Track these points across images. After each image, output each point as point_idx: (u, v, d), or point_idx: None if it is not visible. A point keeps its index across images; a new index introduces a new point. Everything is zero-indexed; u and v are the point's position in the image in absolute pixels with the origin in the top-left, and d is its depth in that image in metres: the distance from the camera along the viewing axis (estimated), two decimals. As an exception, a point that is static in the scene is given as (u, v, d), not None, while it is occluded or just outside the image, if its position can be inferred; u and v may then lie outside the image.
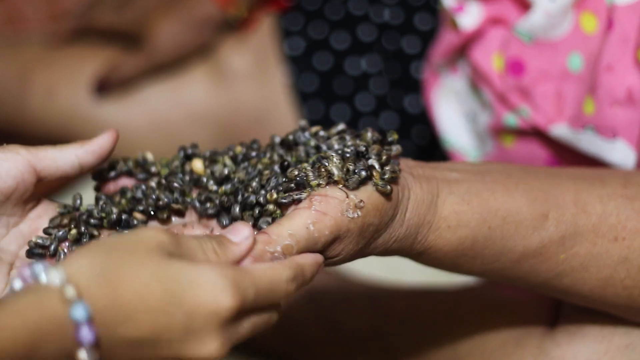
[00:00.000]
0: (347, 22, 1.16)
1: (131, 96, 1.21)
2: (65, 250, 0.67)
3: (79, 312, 0.53)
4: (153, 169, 0.72)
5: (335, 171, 0.65)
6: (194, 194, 0.71)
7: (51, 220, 0.69)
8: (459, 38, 0.96)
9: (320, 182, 0.65)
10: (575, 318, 0.82)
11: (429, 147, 1.14)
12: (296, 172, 0.65)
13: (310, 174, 0.65)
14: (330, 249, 0.65)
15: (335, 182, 0.65)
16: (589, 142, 0.88)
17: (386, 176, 0.65)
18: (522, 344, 0.84)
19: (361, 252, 0.67)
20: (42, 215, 0.70)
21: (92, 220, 0.69)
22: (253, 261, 0.61)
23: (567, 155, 0.93)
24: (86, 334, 0.53)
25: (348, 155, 0.67)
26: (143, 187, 0.70)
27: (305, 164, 0.66)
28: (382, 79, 1.14)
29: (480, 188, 0.70)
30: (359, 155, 0.67)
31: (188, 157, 0.73)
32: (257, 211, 0.66)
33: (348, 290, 1.04)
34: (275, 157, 0.71)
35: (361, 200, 0.64)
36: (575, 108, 0.89)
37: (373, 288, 1.02)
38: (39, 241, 0.67)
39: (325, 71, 1.16)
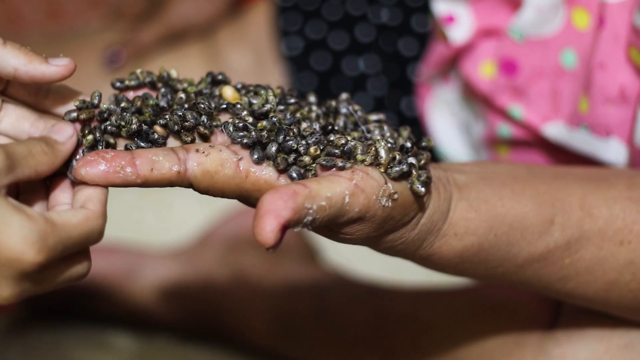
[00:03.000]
0: (345, 22, 1.16)
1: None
2: (81, 154, 0.64)
3: None
4: (177, 85, 0.68)
5: (383, 154, 0.63)
6: (222, 118, 0.67)
7: (67, 114, 0.65)
8: (449, 50, 0.96)
9: (366, 160, 0.63)
10: (575, 317, 0.82)
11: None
12: (343, 141, 0.64)
13: (360, 147, 0.63)
14: (349, 226, 0.63)
15: (379, 165, 0.63)
16: (583, 141, 0.88)
17: (421, 178, 0.64)
18: (522, 343, 0.84)
19: (370, 242, 0.66)
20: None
21: (109, 127, 0.64)
22: (292, 214, 0.59)
23: (563, 165, 0.93)
24: None
25: (394, 146, 0.65)
26: (169, 96, 0.67)
27: (354, 135, 0.65)
28: (380, 80, 1.14)
29: (489, 193, 0.69)
30: (402, 150, 0.66)
31: (215, 82, 0.69)
32: (292, 157, 0.64)
33: (348, 290, 1.04)
34: (314, 115, 0.69)
35: (395, 192, 0.63)
36: (572, 106, 0.89)
37: (373, 288, 1.02)
38: None
39: (323, 71, 1.16)
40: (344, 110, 0.70)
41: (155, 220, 1.24)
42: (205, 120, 0.65)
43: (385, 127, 0.69)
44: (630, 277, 0.72)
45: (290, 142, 0.63)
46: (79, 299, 1.09)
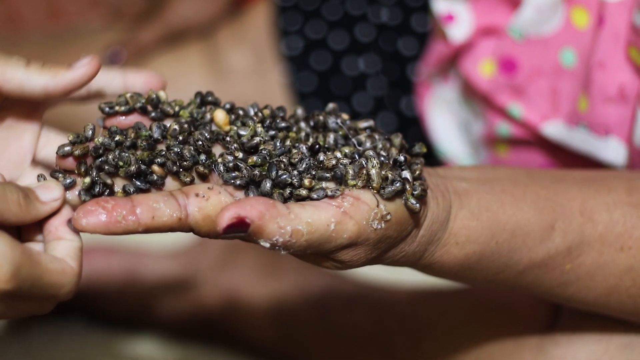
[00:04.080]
0: (345, 22, 1.16)
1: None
2: (77, 194, 0.63)
3: None
4: (168, 109, 0.67)
5: (375, 177, 0.62)
6: (217, 151, 0.66)
7: (60, 148, 0.64)
8: (449, 49, 0.96)
9: (358, 184, 0.63)
10: (574, 318, 0.82)
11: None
12: (334, 162, 0.63)
13: (351, 171, 0.63)
14: (341, 253, 0.63)
15: (370, 187, 0.63)
16: (582, 140, 0.87)
17: (416, 192, 0.63)
18: (522, 343, 0.84)
19: (371, 262, 0.65)
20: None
21: (106, 168, 0.63)
22: (257, 216, 0.59)
23: (562, 164, 0.93)
24: None
25: (386, 161, 0.65)
26: (162, 126, 0.66)
27: (343, 159, 0.64)
28: (380, 80, 1.14)
29: (490, 200, 0.69)
30: (395, 164, 0.65)
31: (203, 103, 0.68)
32: (288, 191, 0.63)
33: (348, 290, 1.04)
34: (303, 134, 0.68)
35: (388, 213, 0.62)
36: (571, 105, 0.89)
37: (373, 288, 1.02)
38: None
39: (323, 71, 1.16)
40: (332, 124, 0.69)
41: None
42: (204, 159, 0.64)
43: (377, 136, 0.68)
44: (631, 283, 0.72)
45: (284, 176, 0.63)
46: (78, 299, 1.09)
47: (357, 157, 0.64)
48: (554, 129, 0.91)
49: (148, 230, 0.60)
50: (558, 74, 0.90)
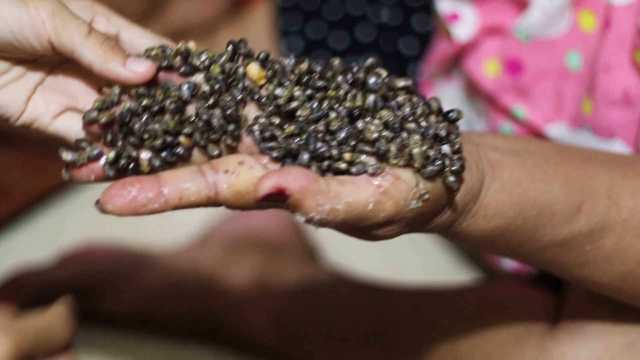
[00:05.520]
0: (346, 22, 1.16)
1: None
2: (101, 164, 0.62)
3: None
4: (198, 63, 0.65)
5: (417, 157, 0.61)
6: (250, 110, 0.64)
7: (86, 114, 0.63)
8: (453, 48, 0.96)
9: (399, 163, 0.61)
10: (576, 316, 0.82)
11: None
12: (375, 136, 0.61)
13: (393, 148, 0.61)
14: (375, 229, 0.62)
15: (411, 166, 0.61)
16: (586, 143, 0.88)
17: (455, 168, 0.62)
18: (523, 342, 0.84)
19: (403, 234, 0.64)
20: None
21: (132, 139, 0.62)
22: (298, 189, 0.57)
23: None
24: None
25: (428, 135, 0.62)
26: (192, 86, 0.63)
27: (384, 130, 0.62)
28: (380, 79, 1.14)
29: (522, 175, 0.68)
30: (436, 139, 0.63)
31: (236, 53, 0.66)
32: (325, 164, 0.61)
33: (348, 290, 1.04)
34: (341, 92, 0.65)
35: (427, 192, 0.61)
36: (575, 107, 0.89)
37: (373, 288, 1.02)
38: (69, 157, 0.62)
39: (324, 71, 1.16)
40: (372, 85, 0.66)
41: (155, 220, 1.23)
42: (233, 129, 0.62)
43: (415, 99, 0.65)
44: None
45: (323, 149, 0.61)
46: (78, 299, 1.09)
47: (398, 129, 0.63)
48: (558, 131, 0.91)
49: (176, 209, 0.60)
50: (563, 76, 0.90)
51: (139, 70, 0.63)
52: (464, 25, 0.95)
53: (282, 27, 1.18)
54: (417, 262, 1.19)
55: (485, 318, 0.88)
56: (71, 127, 0.66)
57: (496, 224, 0.67)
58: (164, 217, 1.23)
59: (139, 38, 0.66)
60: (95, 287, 1.09)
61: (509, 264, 1.00)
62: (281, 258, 1.10)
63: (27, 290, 1.08)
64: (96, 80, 0.66)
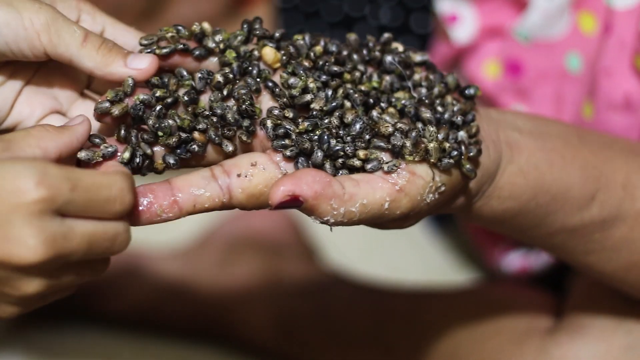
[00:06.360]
0: (345, 23, 1.16)
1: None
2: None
3: None
4: (212, 46, 0.64)
5: (433, 152, 0.59)
6: (264, 99, 0.63)
7: (98, 105, 0.62)
8: (452, 50, 0.96)
9: (415, 159, 0.60)
10: (576, 318, 0.82)
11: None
12: (390, 130, 0.60)
13: (408, 144, 0.60)
14: (391, 223, 0.61)
15: (427, 161, 0.60)
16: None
17: (472, 154, 0.61)
18: (523, 343, 0.84)
19: (418, 221, 0.64)
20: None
21: (146, 137, 0.61)
22: (312, 196, 0.57)
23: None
24: None
25: (444, 123, 0.62)
26: (205, 74, 0.62)
27: (399, 123, 0.60)
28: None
29: (540, 158, 0.67)
30: (452, 126, 0.62)
31: (251, 34, 0.65)
32: (340, 162, 0.61)
33: (348, 290, 1.04)
34: (357, 74, 0.64)
35: (443, 184, 0.60)
36: (575, 110, 0.89)
37: (373, 288, 1.02)
38: (82, 155, 0.60)
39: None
40: (389, 64, 0.65)
41: (155, 220, 1.24)
42: (248, 124, 0.61)
43: (431, 77, 0.65)
44: None
45: (337, 147, 0.60)
46: (79, 299, 1.09)
47: (413, 117, 0.61)
48: (558, 133, 0.91)
49: (190, 214, 0.60)
50: (563, 78, 0.90)
51: (142, 66, 0.62)
52: (464, 28, 0.95)
53: (282, 27, 1.18)
54: (417, 263, 1.19)
55: (485, 319, 0.88)
56: None
57: (509, 206, 0.67)
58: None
59: (123, 36, 0.65)
60: (95, 288, 1.09)
61: (510, 265, 1.00)
62: (281, 258, 1.11)
63: (28, 291, 1.07)
64: (79, 80, 0.66)
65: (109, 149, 0.61)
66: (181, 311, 1.09)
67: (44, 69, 0.65)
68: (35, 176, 0.53)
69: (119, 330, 1.10)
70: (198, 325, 1.08)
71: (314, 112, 0.62)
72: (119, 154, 0.61)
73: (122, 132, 0.61)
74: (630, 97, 0.84)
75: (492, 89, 0.94)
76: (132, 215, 0.58)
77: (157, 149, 0.62)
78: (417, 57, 0.66)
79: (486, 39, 0.95)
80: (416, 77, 0.65)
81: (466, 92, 0.65)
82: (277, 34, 0.65)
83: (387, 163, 0.60)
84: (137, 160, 0.61)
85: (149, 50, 0.63)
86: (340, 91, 0.63)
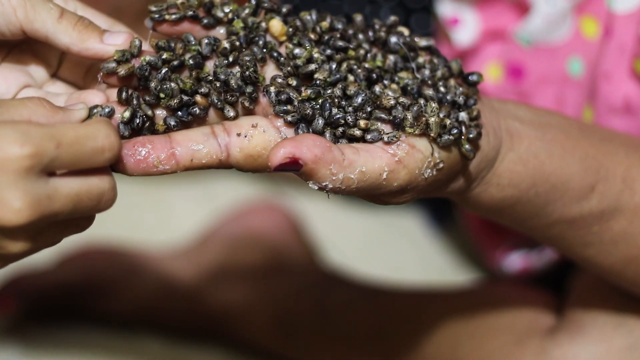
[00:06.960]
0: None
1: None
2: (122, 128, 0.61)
3: None
4: (221, 15, 0.64)
5: (433, 126, 0.60)
6: (269, 69, 0.63)
7: (104, 65, 0.61)
8: (453, 52, 0.96)
9: (415, 132, 0.60)
10: (576, 318, 0.82)
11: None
12: (392, 103, 0.60)
13: (409, 116, 0.60)
14: (388, 196, 0.62)
15: (427, 135, 0.60)
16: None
17: (472, 135, 0.62)
18: (523, 344, 0.84)
19: (415, 199, 0.64)
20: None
21: (147, 99, 0.61)
22: (312, 159, 0.57)
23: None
24: None
25: (445, 102, 0.62)
26: (212, 41, 0.62)
27: (401, 97, 0.61)
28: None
29: (540, 147, 0.67)
30: (454, 105, 0.63)
31: (259, 7, 0.65)
32: (340, 131, 0.61)
33: (348, 290, 1.04)
34: (361, 52, 0.65)
35: (442, 161, 0.61)
36: (575, 114, 0.89)
37: (373, 288, 1.02)
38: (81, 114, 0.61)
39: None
40: (393, 45, 0.65)
41: (155, 220, 1.24)
42: (251, 91, 0.62)
43: (435, 60, 0.65)
44: None
45: (338, 116, 0.61)
46: (79, 299, 1.09)
47: (415, 94, 0.62)
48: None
49: (187, 170, 0.60)
50: (565, 82, 0.90)
51: (118, 42, 0.62)
52: (465, 31, 0.95)
53: (281, 27, 1.18)
54: (417, 262, 1.19)
55: (485, 319, 0.88)
56: None
57: (508, 193, 0.67)
58: (164, 217, 1.24)
59: (94, 20, 0.65)
60: (95, 288, 1.09)
61: (511, 266, 1.00)
62: (281, 258, 1.11)
63: (28, 292, 1.08)
64: (50, 63, 0.66)
65: (106, 109, 0.61)
66: (181, 311, 1.09)
67: (17, 50, 0.65)
68: (20, 138, 0.53)
69: (119, 330, 1.10)
70: (198, 325, 1.09)
71: (318, 82, 0.62)
72: (117, 115, 0.61)
73: (124, 93, 0.61)
74: (630, 101, 0.84)
75: (493, 92, 0.94)
76: (128, 165, 0.59)
77: (159, 112, 0.62)
78: (422, 42, 0.66)
79: (488, 42, 0.95)
80: (420, 60, 0.65)
81: (470, 78, 0.66)
82: (284, 9, 0.65)
83: (387, 134, 0.60)
84: (138, 120, 0.61)
85: (157, 16, 0.63)
86: (345, 65, 0.63)
